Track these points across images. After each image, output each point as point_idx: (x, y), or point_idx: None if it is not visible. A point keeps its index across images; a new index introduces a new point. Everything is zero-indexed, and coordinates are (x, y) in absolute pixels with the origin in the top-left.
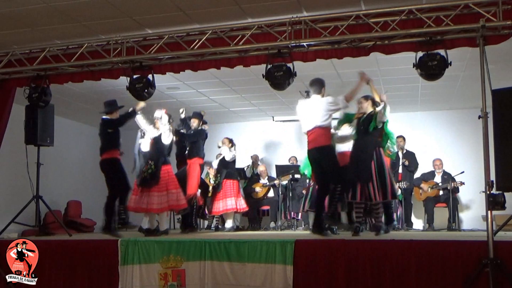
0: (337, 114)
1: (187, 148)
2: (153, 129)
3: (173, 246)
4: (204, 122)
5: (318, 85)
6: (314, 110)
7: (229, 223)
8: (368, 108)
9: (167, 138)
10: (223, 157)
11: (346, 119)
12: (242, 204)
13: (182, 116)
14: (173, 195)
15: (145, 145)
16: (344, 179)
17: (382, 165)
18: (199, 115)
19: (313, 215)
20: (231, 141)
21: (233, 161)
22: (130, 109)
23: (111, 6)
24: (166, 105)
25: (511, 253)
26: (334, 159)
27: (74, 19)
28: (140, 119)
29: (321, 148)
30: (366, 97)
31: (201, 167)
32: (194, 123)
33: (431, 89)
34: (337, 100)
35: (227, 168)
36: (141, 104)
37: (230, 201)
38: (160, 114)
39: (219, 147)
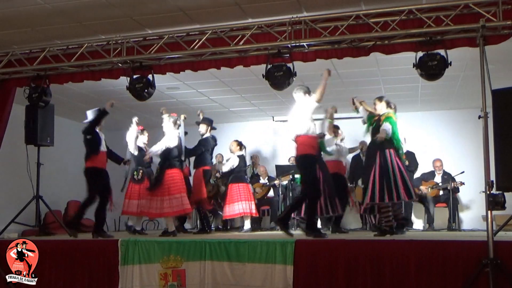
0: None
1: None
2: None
3: (173, 246)
4: (213, 128)
5: (301, 91)
6: (295, 118)
7: (246, 225)
8: (382, 109)
9: (172, 142)
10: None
11: (368, 122)
12: (253, 209)
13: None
14: (177, 200)
15: (132, 147)
16: (311, 191)
17: (387, 167)
18: (208, 121)
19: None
20: (239, 143)
21: (243, 164)
22: (100, 109)
23: (111, 6)
24: (166, 105)
25: (511, 253)
26: (307, 170)
27: (74, 19)
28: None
29: (299, 157)
30: (380, 98)
31: (205, 172)
32: (202, 129)
33: (431, 89)
34: (308, 103)
35: (233, 172)
36: (110, 102)
37: (238, 206)
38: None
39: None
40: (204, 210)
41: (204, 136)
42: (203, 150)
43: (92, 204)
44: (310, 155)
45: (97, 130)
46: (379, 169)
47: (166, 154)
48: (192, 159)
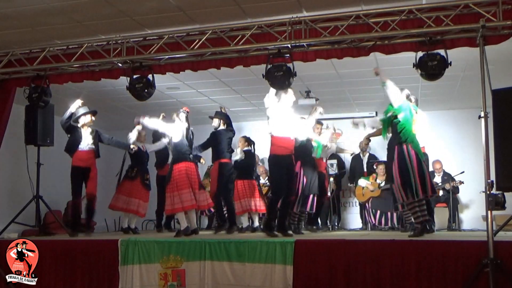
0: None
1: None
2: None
3: (173, 246)
4: (227, 121)
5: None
6: (270, 117)
7: (255, 223)
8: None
9: (177, 136)
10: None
11: (385, 119)
12: (259, 206)
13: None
14: (186, 195)
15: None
16: (273, 191)
17: (405, 163)
18: (219, 115)
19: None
20: (246, 139)
21: (250, 160)
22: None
23: (111, 6)
24: (166, 105)
25: (511, 253)
26: (272, 169)
27: (74, 19)
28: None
29: (268, 157)
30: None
31: (221, 165)
32: (214, 123)
33: (431, 89)
34: (284, 103)
35: (238, 168)
36: (75, 103)
37: (241, 203)
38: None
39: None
40: (218, 204)
41: (217, 130)
42: (215, 143)
43: (77, 200)
44: (277, 155)
45: (80, 127)
46: (398, 168)
47: (173, 149)
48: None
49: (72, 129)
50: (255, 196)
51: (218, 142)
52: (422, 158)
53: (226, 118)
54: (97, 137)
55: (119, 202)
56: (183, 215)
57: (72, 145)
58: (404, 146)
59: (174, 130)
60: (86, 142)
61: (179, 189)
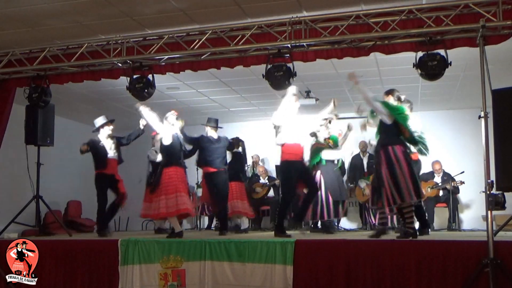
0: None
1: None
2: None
3: (173, 246)
4: (214, 127)
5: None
6: (281, 124)
7: (245, 224)
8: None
9: (167, 139)
10: None
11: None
12: (247, 209)
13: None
14: (171, 200)
15: (153, 154)
16: (283, 197)
17: (392, 166)
18: (207, 121)
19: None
20: (233, 141)
21: (238, 161)
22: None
23: (111, 6)
24: (167, 105)
25: (511, 253)
26: (282, 177)
27: (74, 19)
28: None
29: (280, 163)
30: (388, 92)
31: (206, 176)
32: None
33: (431, 89)
34: (292, 108)
35: (228, 169)
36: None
37: (233, 204)
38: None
39: None
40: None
41: (205, 135)
42: (198, 148)
43: (104, 207)
44: (288, 161)
45: (102, 139)
46: (388, 170)
47: (163, 153)
48: None
49: (95, 145)
50: (243, 199)
51: (201, 148)
52: (410, 160)
53: (212, 124)
54: (118, 144)
55: (150, 210)
56: (175, 218)
57: (102, 160)
58: (390, 148)
59: (165, 132)
60: (111, 151)
61: (166, 194)
